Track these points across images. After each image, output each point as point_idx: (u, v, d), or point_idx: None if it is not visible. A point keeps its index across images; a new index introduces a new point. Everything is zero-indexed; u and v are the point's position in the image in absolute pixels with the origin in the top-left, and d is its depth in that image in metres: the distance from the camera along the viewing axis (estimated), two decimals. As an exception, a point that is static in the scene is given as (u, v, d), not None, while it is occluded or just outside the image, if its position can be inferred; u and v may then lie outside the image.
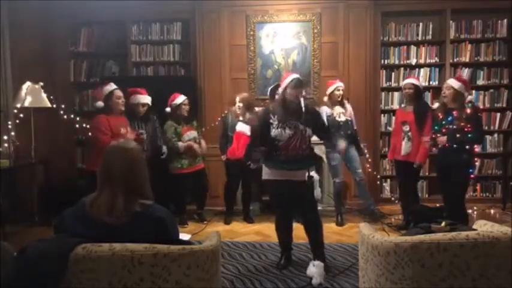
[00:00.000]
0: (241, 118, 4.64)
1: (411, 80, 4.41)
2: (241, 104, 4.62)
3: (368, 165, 5.10)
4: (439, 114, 3.89)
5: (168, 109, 4.66)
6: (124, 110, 4.08)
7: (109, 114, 3.93)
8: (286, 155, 3.20)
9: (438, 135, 3.81)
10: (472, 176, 3.91)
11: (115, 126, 3.89)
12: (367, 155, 5.02)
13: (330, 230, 4.28)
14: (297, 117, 3.20)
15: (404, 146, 4.32)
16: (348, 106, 4.66)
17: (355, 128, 4.68)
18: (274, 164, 3.25)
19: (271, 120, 3.24)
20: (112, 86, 4.03)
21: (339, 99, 4.57)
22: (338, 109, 4.50)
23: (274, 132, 3.21)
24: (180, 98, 4.63)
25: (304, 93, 3.35)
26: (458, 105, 3.74)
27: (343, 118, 4.47)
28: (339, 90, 4.57)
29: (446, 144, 3.73)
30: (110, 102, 3.96)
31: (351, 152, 4.58)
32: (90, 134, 4.16)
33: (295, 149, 3.20)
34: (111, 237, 1.75)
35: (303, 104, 3.18)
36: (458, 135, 3.68)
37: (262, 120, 3.32)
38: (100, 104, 3.97)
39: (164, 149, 4.52)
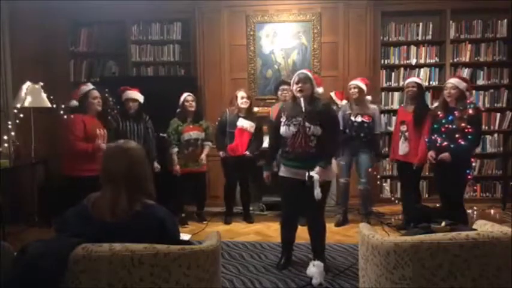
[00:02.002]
0: (241, 114, 4.64)
1: (414, 79, 4.40)
2: (247, 99, 4.62)
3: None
4: (439, 113, 3.85)
5: (178, 109, 4.67)
6: (100, 110, 4.01)
7: (84, 115, 3.86)
8: (293, 153, 3.19)
9: (444, 146, 3.74)
10: (469, 176, 3.90)
11: (90, 127, 3.82)
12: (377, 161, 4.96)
13: (330, 230, 4.27)
14: (305, 114, 3.14)
15: (401, 146, 4.32)
16: (372, 107, 4.49)
17: (377, 132, 4.49)
18: (284, 161, 3.29)
19: (281, 119, 3.27)
20: (89, 86, 3.99)
21: (355, 97, 4.44)
22: (346, 107, 4.49)
23: (281, 129, 3.24)
24: (182, 96, 4.65)
25: (319, 90, 3.31)
26: (460, 105, 3.71)
27: (358, 119, 4.41)
28: (350, 89, 4.47)
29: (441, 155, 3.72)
30: (86, 102, 3.89)
31: (361, 157, 4.47)
32: (64, 135, 3.91)
33: (300, 146, 3.16)
34: (112, 236, 1.75)
35: (302, 101, 3.15)
36: (457, 136, 3.67)
37: (277, 118, 3.37)
38: (74, 102, 3.89)
39: (156, 165, 4.47)
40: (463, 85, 3.73)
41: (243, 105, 4.61)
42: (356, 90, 4.42)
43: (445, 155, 3.68)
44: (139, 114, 4.47)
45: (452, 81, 3.81)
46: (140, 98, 4.44)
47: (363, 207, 4.63)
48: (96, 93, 3.97)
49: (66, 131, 3.83)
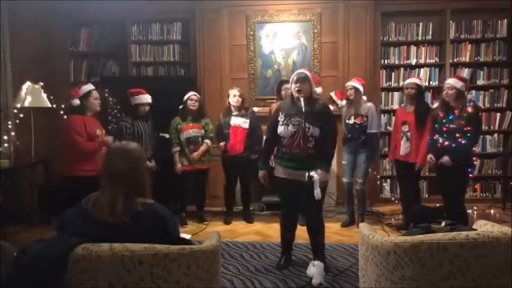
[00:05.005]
0: (233, 113, 4.65)
1: (414, 80, 4.37)
2: (239, 97, 4.62)
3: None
4: (440, 112, 3.88)
5: (181, 106, 4.69)
6: (99, 111, 4.04)
7: (84, 115, 3.87)
8: (290, 154, 3.16)
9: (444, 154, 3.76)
10: (470, 175, 3.90)
11: (90, 127, 3.83)
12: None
13: (330, 230, 4.27)
14: (305, 114, 3.10)
15: (403, 146, 4.31)
16: (367, 106, 4.43)
17: (372, 131, 4.43)
18: (280, 162, 3.25)
19: (279, 118, 3.23)
20: (90, 86, 4.00)
21: (351, 98, 4.43)
22: (343, 105, 4.56)
23: (279, 129, 3.20)
24: (187, 95, 4.66)
25: (318, 90, 3.28)
26: (460, 104, 3.74)
27: (351, 121, 4.42)
28: (347, 90, 4.46)
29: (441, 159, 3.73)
30: (86, 102, 3.89)
31: (358, 158, 4.45)
32: (65, 135, 3.83)
33: (298, 147, 3.13)
34: (113, 236, 1.76)
35: (302, 101, 3.11)
36: (457, 135, 3.68)
37: (273, 117, 3.32)
38: (76, 101, 3.88)
39: (151, 164, 4.32)
40: (460, 84, 3.75)
41: (235, 104, 4.62)
42: (352, 91, 4.41)
43: (446, 160, 3.69)
44: (148, 115, 4.48)
45: (450, 81, 3.85)
46: (150, 100, 4.41)
47: (359, 207, 4.63)
48: (97, 93, 4.01)
49: (69, 132, 3.75)
